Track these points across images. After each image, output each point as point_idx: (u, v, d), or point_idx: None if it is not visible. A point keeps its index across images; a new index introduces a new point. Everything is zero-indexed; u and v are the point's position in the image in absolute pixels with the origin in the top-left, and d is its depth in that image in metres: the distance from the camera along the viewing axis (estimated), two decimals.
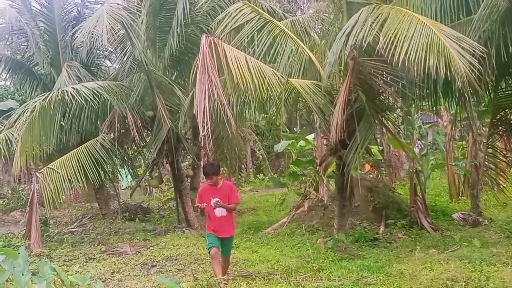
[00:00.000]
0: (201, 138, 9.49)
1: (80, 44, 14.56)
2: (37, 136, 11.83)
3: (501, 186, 11.27)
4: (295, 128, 27.46)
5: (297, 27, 11.56)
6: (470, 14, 9.06)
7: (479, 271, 7.42)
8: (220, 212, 7.68)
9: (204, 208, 7.72)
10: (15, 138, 11.61)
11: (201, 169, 6.92)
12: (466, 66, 6.89)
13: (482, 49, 7.39)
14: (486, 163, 11.04)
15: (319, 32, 12.32)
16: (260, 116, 19.19)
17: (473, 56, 7.18)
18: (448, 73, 6.98)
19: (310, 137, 18.48)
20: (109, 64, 16.79)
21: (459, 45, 7.17)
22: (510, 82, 10.35)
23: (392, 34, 7.52)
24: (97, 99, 11.81)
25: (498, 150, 11.15)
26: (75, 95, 11.40)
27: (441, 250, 9.26)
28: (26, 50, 16.05)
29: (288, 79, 9.37)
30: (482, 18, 8.12)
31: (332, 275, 8.01)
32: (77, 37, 12.83)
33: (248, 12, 10.16)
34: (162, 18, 12.98)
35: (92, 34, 11.09)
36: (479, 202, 12.19)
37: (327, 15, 12.40)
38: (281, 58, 10.38)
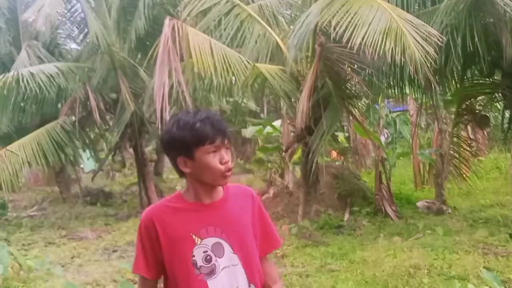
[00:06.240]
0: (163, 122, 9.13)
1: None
2: None
3: (465, 175, 11.37)
4: (262, 114, 27.33)
5: (265, 12, 11.38)
6: (435, 4, 9.08)
7: (441, 258, 7.44)
8: (224, 282, 2.26)
9: None
10: None
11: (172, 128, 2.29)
12: (421, 53, 6.86)
13: (441, 37, 7.37)
14: (451, 152, 11.11)
15: (287, 17, 12.19)
16: (226, 101, 19.04)
17: (436, 44, 7.18)
18: (403, 58, 6.97)
19: (277, 123, 18.41)
20: (73, 45, 16.34)
21: (417, 32, 7.14)
22: (475, 72, 10.39)
23: (352, 18, 7.46)
24: (56, 82, 11.47)
25: (462, 140, 11.22)
26: (29, 81, 11.06)
27: (404, 238, 9.28)
28: None
29: (255, 64, 9.25)
30: (448, 7, 8.12)
31: (296, 261, 7.97)
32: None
33: None
34: None
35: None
36: (443, 191, 12.28)
37: (295, 0, 12.27)
38: (249, 43, 10.24)
